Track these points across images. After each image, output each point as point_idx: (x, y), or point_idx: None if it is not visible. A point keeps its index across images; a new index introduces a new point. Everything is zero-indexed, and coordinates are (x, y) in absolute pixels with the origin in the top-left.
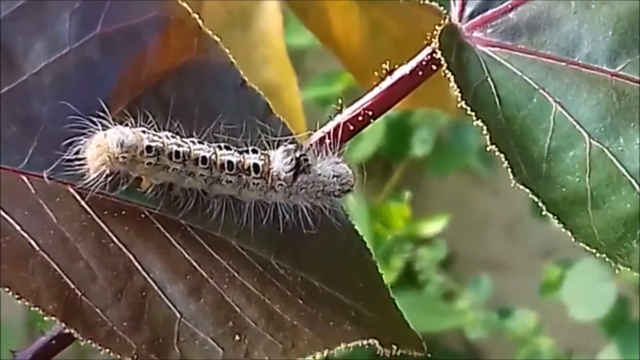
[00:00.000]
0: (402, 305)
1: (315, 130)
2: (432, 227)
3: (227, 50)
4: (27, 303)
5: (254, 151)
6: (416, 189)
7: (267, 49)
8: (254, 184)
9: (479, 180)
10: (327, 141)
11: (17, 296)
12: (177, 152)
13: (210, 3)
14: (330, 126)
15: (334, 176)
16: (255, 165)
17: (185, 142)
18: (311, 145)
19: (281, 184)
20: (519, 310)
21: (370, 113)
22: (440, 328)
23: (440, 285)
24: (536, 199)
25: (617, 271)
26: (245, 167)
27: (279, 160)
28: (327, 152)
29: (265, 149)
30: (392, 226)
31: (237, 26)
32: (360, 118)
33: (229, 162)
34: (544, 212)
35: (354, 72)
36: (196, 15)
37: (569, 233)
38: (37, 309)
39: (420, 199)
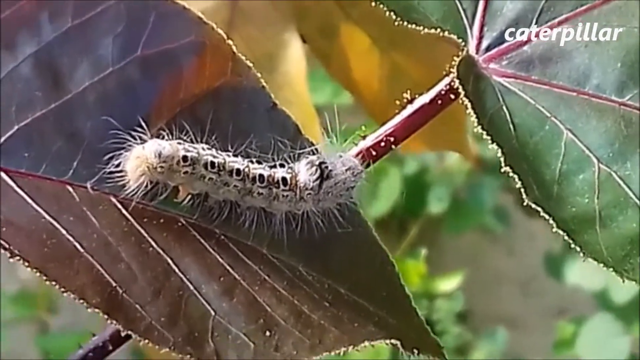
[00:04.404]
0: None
1: None
2: (448, 284)
3: (259, 75)
4: (72, 296)
5: (282, 165)
6: (432, 246)
7: (291, 92)
8: (283, 196)
9: (494, 238)
10: (328, 139)
11: (62, 289)
12: (213, 162)
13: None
14: (354, 152)
15: (347, 170)
16: (284, 179)
17: (221, 154)
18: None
19: (309, 193)
20: None
21: (392, 139)
22: None
23: (457, 336)
24: (547, 217)
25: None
26: (275, 180)
27: (304, 172)
28: (332, 150)
29: (288, 162)
30: (408, 283)
31: (262, 69)
32: (382, 144)
33: (260, 175)
34: (558, 271)
35: (375, 115)
36: (230, 42)
37: (578, 248)
38: (82, 302)
39: (436, 256)
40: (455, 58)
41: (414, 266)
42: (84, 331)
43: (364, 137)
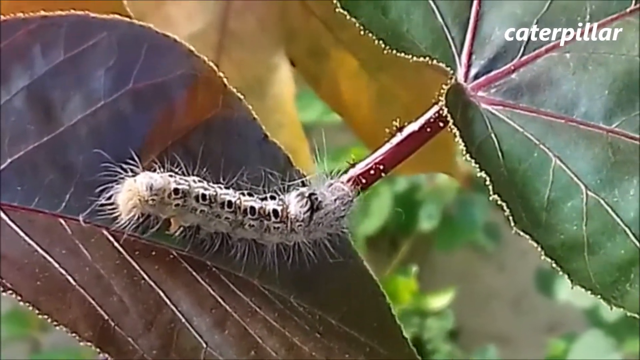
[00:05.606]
0: None
1: None
2: (439, 301)
3: (250, 107)
4: (64, 329)
5: (272, 197)
6: (423, 263)
7: (281, 115)
8: (274, 228)
9: (485, 255)
10: (319, 169)
11: (55, 323)
12: (204, 195)
13: (225, 69)
14: (343, 179)
15: (336, 199)
16: (275, 211)
17: (212, 187)
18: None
19: (300, 225)
20: None
21: (381, 167)
22: None
23: (447, 354)
24: (536, 245)
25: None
26: (266, 212)
27: (295, 204)
28: (321, 179)
29: (279, 194)
30: (399, 300)
31: (252, 94)
32: (372, 172)
33: (252, 207)
34: (548, 287)
35: (364, 137)
36: (222, 74)
37: (566, 276)
38: (74, 335)
39: (427, 273)
40: (443, 86)
41: (405, 283)
42: (76, 349)
43: (353, 165)
